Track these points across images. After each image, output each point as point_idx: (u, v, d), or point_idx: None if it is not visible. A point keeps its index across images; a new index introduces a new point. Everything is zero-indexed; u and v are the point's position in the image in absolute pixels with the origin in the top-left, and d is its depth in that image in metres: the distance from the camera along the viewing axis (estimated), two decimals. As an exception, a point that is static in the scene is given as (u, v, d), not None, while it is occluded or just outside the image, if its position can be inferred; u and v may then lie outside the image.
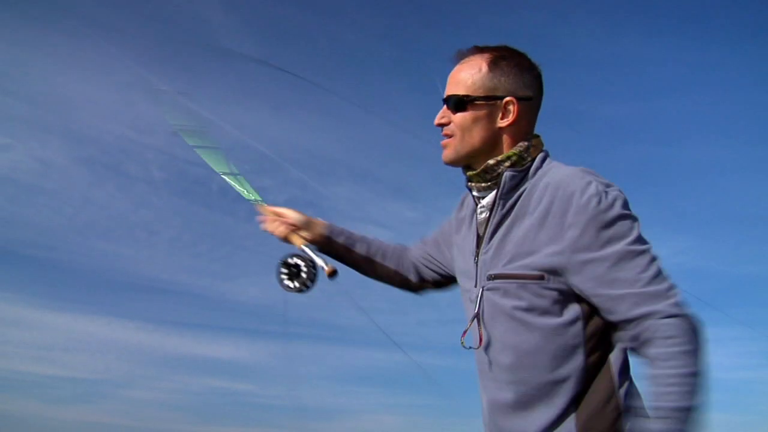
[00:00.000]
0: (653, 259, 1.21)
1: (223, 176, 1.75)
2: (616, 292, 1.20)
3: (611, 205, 1.22)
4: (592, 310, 1.26)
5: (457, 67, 1.42)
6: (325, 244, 1.66)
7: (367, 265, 1.71)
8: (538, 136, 1.41)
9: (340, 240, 1.68)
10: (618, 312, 1.21)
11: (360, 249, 1.70)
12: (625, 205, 1.25)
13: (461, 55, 1.42)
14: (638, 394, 1.27)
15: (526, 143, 1.37)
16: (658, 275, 1.20)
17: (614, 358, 1.27)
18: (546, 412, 1.25)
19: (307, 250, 1.57)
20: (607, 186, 1.25)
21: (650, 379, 1.18)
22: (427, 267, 1.71)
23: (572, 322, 1.26)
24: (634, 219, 1.24)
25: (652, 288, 1.19)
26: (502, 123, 1.36)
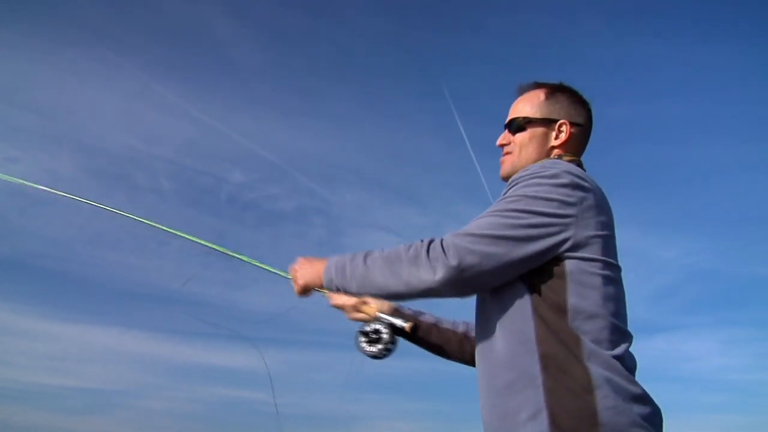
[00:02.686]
0: (509, 226, 1.25)
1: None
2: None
3: (537, 172, 1.30)
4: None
5: (519, 98, 1.60)
6: (394, 313, 1.59)
7: (437, 333, 1.66)
8: (580, 161, 1.51)
9: (407, 308, 1.66)
10: None
11: (427, 317, 1.67)
12: (557, 176, 1.28)
13: (522, 90, 1.61)
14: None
15: (558, 159, 1.47)
16: (489, 233, 1.25)
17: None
18: None
19: (382, 315, 1.57)
20: (565, 168, 1.31)
21: None
22: None
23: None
24: (551, 192, 1.27)
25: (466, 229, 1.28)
26: (555, 142, 1.52)
